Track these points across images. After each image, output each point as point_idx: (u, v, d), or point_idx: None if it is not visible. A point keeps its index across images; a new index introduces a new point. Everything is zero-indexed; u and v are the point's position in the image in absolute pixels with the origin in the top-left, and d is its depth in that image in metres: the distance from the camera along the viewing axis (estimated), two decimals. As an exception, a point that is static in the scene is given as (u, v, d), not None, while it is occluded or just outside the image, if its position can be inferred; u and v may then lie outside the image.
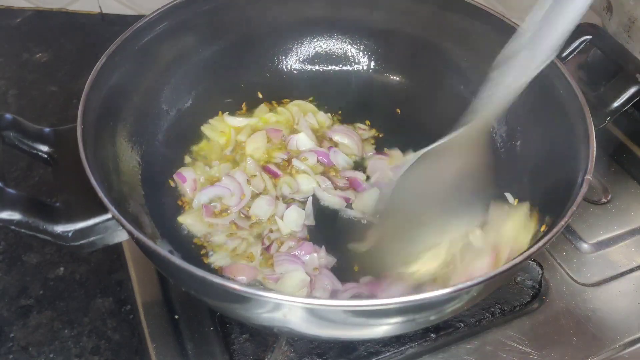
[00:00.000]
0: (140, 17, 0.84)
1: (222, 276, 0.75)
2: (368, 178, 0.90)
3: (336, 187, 0.88)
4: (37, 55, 1.29)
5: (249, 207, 0.84)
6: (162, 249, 0.59)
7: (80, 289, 0.89)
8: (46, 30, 1.35)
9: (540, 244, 0.62)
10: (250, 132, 0.93)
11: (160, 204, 0.82)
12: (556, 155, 0.80)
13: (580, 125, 0.75)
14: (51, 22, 1.37)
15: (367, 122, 0.98)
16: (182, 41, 0.90)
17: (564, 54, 0.88)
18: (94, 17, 1.39)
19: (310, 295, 0.75)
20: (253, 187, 0.86)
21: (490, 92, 0.73)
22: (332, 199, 0.86)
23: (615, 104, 0.81)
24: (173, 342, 0.75)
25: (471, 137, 0.77)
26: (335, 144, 0.93)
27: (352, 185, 0.88)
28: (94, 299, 0.88)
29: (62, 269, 0.91)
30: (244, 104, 0.98)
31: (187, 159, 0.90)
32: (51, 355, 0.82)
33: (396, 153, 0.92)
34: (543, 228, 0.70)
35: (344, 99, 1.00)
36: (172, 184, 0.86)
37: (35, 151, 0.72)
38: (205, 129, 0.93)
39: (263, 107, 0.97)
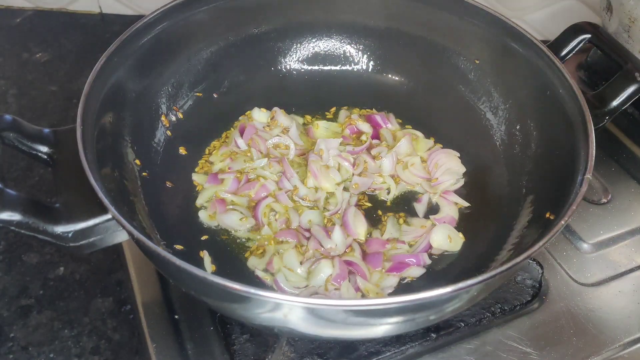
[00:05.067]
0: (139, 17, 0.84)
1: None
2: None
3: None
4: (37, 55, 1.29)
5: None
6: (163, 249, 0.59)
7: (80, 289, 0.89)
8: (46, 30, 1.35)
9: (540, 243, 0.62)
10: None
11: (159, 204, 0.82)
12: (556, 154, 0.80)
13: (579, 124, 0.75)
14: (51, 22, 1.37)
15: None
16: (181, 42, 0.91)
17: (563, 53, 0.88)
18: (94, 17, 1.39)
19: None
20: None
21: None
22: None
23: (615, 102, 0.81)
24: (173, 343, 0.75)
25: None
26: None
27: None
28: (94, 299, 0.88)
29: (62, 268, 0.91)
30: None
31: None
32: (51, 355, 0.82)
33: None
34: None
35: (343, 99, 1.00)
36: (169, 184, 0.86)
37: (35, 152, 0.72)
38: None
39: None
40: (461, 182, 0.89)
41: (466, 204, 0.87)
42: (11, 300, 0.87)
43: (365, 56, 1.03)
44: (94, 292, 0.89)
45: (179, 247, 0.78)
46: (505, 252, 0.78)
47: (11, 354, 0.82)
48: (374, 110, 0.98)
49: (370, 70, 1.03)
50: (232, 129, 0.95)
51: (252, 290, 0.56)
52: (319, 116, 0.98)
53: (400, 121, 0.98)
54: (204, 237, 0.81)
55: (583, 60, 1.15)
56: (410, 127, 0.97)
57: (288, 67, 1.02)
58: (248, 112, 0.96)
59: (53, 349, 0.82)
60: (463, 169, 0.90)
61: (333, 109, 0.99)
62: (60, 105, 1.17)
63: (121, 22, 1.36)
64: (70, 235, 0.65)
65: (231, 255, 0.80)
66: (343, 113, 0.98)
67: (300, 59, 1.03)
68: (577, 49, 0.89)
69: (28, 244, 0.94)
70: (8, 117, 0.71)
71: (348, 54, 1.03)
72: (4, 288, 0.89)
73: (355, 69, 1.04)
